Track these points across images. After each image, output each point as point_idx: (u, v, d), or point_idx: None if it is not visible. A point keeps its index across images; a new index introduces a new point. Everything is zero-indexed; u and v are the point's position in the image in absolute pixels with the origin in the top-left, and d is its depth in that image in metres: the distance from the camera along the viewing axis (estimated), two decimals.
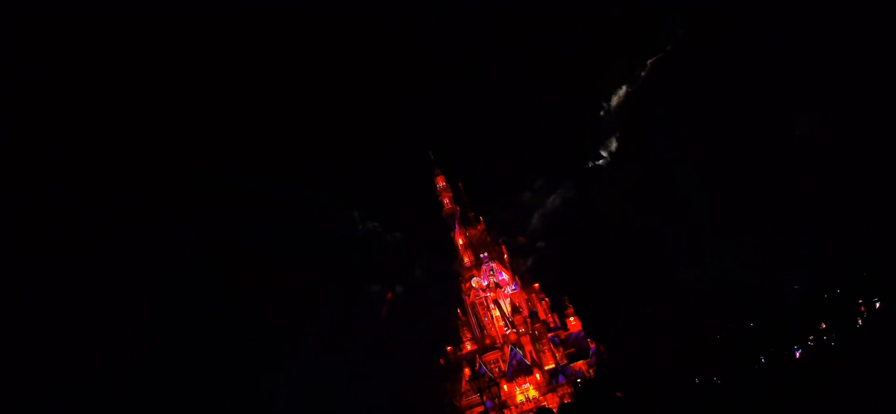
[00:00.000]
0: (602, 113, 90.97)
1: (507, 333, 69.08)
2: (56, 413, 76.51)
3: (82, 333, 77.46)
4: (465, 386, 67.63)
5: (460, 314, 73.65)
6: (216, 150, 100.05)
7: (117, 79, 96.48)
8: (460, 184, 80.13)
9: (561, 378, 65.41)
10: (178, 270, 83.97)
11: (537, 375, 65.96)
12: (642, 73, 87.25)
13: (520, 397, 65.32)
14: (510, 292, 73.21)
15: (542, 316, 72.01)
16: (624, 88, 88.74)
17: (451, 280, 77.78)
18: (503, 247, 76.47)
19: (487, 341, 71.12)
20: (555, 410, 54.52)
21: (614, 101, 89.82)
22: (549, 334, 69.42)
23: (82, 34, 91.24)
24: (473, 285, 74.36)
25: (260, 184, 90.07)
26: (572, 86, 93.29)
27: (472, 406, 65.93)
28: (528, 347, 67.51)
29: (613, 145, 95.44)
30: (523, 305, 71.89)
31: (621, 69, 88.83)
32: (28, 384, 73.97)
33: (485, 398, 62.83)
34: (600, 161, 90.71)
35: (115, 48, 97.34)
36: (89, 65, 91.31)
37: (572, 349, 69.64)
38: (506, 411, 64.54)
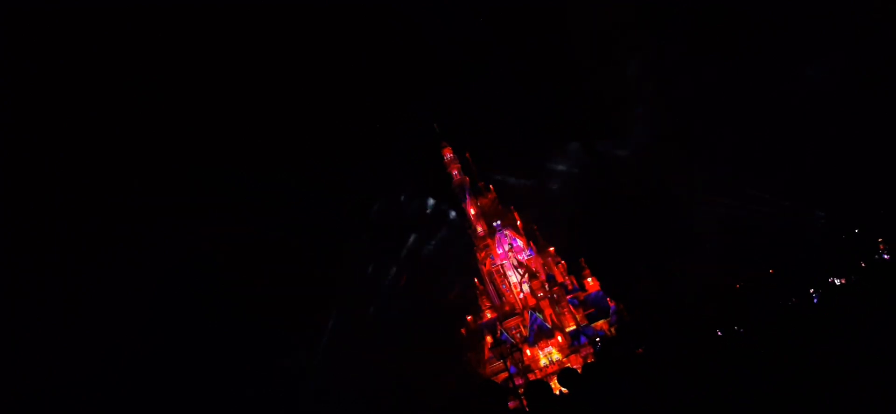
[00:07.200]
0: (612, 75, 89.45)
1: (526, 297, 69.07)
2: (56, 413, 76.49)
3: (82, 333, 77.14)
4: (487, 354, 67.99)
5: (478, 283, 73.78)
6: (218, 150, 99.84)
7: (117, 79, 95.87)
8: (468, 154, 79.57)
9: (583, 339, 65.54)
10: (183, 272, 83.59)
11: (559, 338, 66.12)
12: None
13: (543, 361, 65.59)
14: (526, 258, 73.00)
15: (559, 279, 71.91)
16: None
17: (465, 251, 77.74)
18: (515, 214, 76.12)
19: (507, 308, 71.31)
20: (578, 371, 54.59)
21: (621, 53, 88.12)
22: (568, 296, 69.41)
23: (82, 34, 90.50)
24: (489, 254, 74.27)
25: (264, 184, 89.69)
26: (572, 86, 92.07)
27: (496, 373, 66.20)
28: (548, 311, 67.61)
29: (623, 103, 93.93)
30: (540, 269, 71.81)
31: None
32: (28, 384, 73.55)
33: (508, 364, 62.90)
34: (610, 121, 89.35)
35: (115, 48, 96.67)
36: (89, 65, 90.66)
37: (592, 309, 69.61)
38: (530, 375, 64.79)
